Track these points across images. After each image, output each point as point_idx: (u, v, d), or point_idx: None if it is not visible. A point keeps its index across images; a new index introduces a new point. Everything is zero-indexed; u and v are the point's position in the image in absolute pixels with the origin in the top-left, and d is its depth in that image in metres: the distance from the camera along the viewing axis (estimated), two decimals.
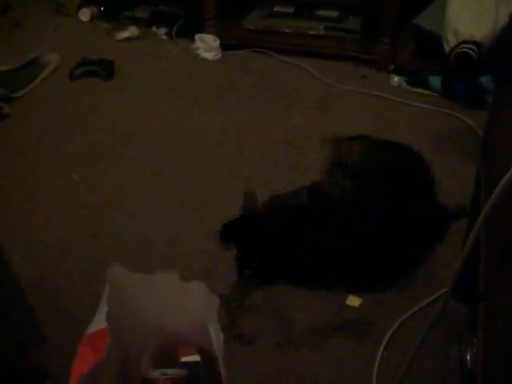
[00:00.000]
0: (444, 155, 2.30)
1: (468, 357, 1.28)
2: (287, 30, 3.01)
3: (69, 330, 1.58)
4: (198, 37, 3.06)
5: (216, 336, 1.02)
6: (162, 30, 3.27)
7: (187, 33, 3.17)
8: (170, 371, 1.03)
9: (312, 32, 2.97)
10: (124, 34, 3.24)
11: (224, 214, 2.02)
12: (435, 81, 2.69)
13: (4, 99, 2.66)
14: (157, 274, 1.05)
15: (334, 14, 2.98)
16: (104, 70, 2.87)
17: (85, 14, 3.47)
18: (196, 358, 1.08)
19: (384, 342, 1.56)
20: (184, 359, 1.08)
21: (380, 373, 1.49)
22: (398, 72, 2.81)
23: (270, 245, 1.67)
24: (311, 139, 2.42)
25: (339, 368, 1.53)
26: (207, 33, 3.07)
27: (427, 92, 2.71)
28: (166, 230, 1.99)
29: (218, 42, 3.04)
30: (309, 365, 1.54)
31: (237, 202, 2.06)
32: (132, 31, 3.25)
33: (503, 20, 2.46)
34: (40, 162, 2.33)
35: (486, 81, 2.54)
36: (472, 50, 2.52)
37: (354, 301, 1.66)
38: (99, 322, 1.10)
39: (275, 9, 3.07)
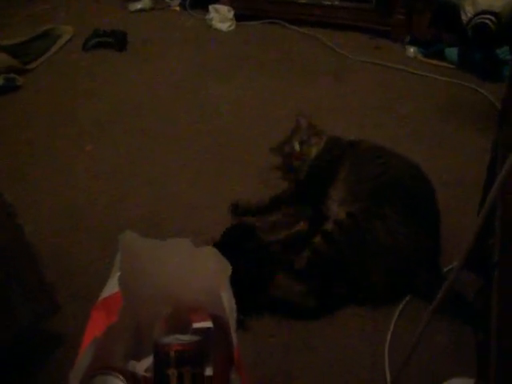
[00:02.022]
0: (460, 127, 2.27)
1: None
2: (302, 1, 2.98)
3: (84, 296, 1.60)
4: (212, 7, 3.03)
5: (228, 302, 1.02)
6: (176, 1, 3.26)
7: (201, 3, 3.15)
8: (183, 337, 1.03)
9: (327, 2, 2.94)
10: (137, 6, 3.23)
11: (238, 183, 2.02)
12: (451, 52, 2.65)
13: (17, 71, 2.66)
14: (169, 240, 1.05)
15: None
16: (117, 41, 2.86)
17: None
18: (208, 323, 1.08)
19: (397, 312, 1.56)
20: (196, 325, 1.08)
21: (392, 344, 1.49)
22: (413, 43, 2.77)
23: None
24: (325, 111, 2.40)
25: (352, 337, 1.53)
26: (221, 3, 3.05)
27: (443, 64, 2.67)
28: (180, 200, 1.99)
29: (232, 13, 3.01)
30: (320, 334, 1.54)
31: (250, 172, 2.06)
32: (145, 2, 3.23)
33: None
34: (53, 132, 2.33)
35: (503, 52, 2.50)
36: (491, 20, 2.48)
37: None
38: (112, 287, 1.10)
39: None
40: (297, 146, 1.90)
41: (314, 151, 1.91)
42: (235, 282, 1.48)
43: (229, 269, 1.02)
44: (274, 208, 1.86)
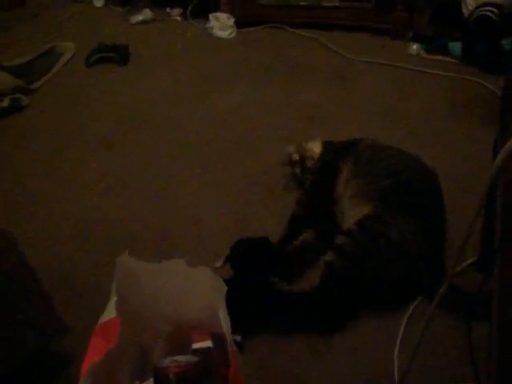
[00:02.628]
0: (466, 122, 2.25)
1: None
2: (302, 3, 2.97)
3: (93, 314, 1.59)
4: (212, 16, 3.03)
5: (225, 322, 1.01)
6: (176, 11, 3.27)
7: (201, 12, 3.16)
8: (182, 358, 1.03)
9: (327, 4, 2.92)
10: (138, 17, 3.24)
11: (241, 193, 2.02)
12: (455, 47, 2.62)
13: (22, 91, 2.68)
14: (164, 262, 1.05)
15: None
16: (119, 55, 2.87)
17: (99, 0, 3.47)
18: (208, 343, 1.07)
19: (406, 317, 1.55)
20: (196, 346, 1.08)
21: (401, 349, 1.47)
22: (416, 40, 2.75)
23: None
24: (328, 114, 2.38)
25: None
26: (221, 11, 3.05)
27: (447, 59, 2.64)
28: (186, 211, 1.99)
29: (232, 20, 3.01)
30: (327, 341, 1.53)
31: (255, 181, 2.06)
32: (146, 14, 3.24)
33: None
34: (58, 150, 2.35)
35: (508, 44, 2.46)
36: (492, 12, 2.44)
37: None
38: (110, 312, 1.10)
39: None
40: (295, 156, 1.93)
41: (315, 147, 1.94)
42: (249, 293, 1.51)
43: (224, 288, 1.02)
44: (296, 231, 1.83)
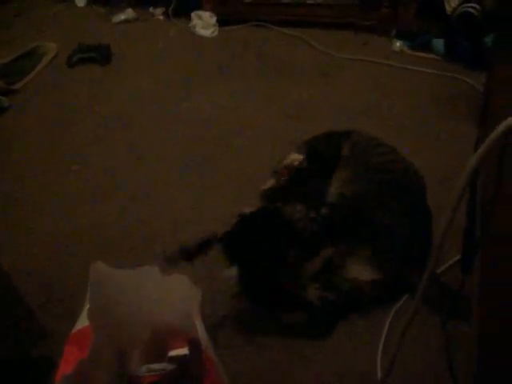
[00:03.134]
0: (450, 119, 2.24)
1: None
2: (285, 1, 2.95)
3: (72, 319, 1.58)
4: (194, 14, 3.01)
5: (201, 328, 1.00)
6: (159, 10, 3.24)
7: (184, 11, 3.13)
8: (158, 366, 1.02)
9: (310, 1, 2.90)
10: (121, 17, 3.21)
11: (223, 196, 2.00)
12: (438, 43, 2.62)
13: (3, 92, 2.64)
14: (138, 269, 1.04)
15: None
16: (101, 55, 2.84)
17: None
18: (184, 351, 1.06)
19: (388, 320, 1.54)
20: (172, 353, 1.06)
21: (385, 351, 1.46)
22: (399, 37, 2.73)
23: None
24: (313, 112, 2.37)
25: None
26: (204, 9, 3.02)
27: (430, 55, 2.64)
28: (167, 215, 1.97)
29: (214, 19, 2.99)
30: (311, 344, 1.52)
31: (236, 183, 2.04)
32: (128, 13, 3.21)
33: None
34: (39, 153, 2.32)
35: (490, 40, 2.45)
36: (474, 8, 2.44)
37: None
38: (84, 320, 1.09)
39: None
40: (281, 165, 1.90)
41: (298, 156, 1.90)
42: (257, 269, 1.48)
43: (199, 295, 1.00)
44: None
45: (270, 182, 1.92)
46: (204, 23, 2.96)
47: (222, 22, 3.00)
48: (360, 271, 1.58)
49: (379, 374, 1.40)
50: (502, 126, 0.64)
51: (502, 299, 0.80)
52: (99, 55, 2.83)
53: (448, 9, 2.51)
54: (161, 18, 3.20)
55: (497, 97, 1.24)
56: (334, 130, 1.95)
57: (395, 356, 1.05)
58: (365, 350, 1.48)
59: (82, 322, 1.10)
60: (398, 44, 2.69)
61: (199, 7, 3.04)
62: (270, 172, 1.94)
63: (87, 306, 1.05)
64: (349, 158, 1.79)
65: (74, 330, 1.11)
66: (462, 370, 1.26)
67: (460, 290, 1.49)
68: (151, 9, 3.25)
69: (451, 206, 0.75)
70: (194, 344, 1.06)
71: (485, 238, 0.90)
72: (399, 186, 1.67)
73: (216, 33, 2.97)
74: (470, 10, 2.42)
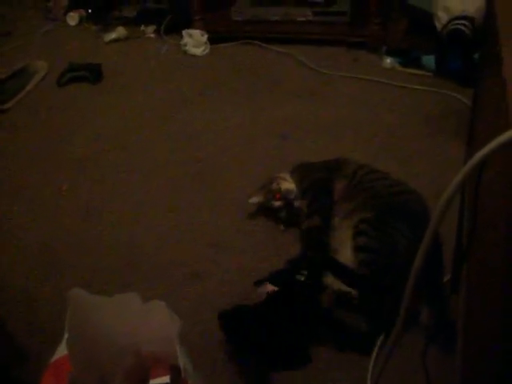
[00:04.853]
0: (440, 136, 2.23)
1: None
2: (275, 18, 2.95)
3: (55, 345, 1.56)
4: (185, 32, 3.01)
5: (181, 356, 0.97)
6: (150, 29, 3.24)
7: (175, 29, 3.13)
8: None
9: (300, 18, 2.91)
10: (112, 36, 3.20)
11: (211, 216, 1.99)
12: (429, 60, 2.62)
13: None
14: (117, 296, 1.01)
15: None
16: (92, 74, 2.83)
17: (73, 18, 3.44)
18: (165, 379, 1.03)
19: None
20: (153, 382, 1.03)
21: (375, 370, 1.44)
22: (390, 53, 2.73)
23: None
24: (301, 130, 2.36)
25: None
26: (195, 28, 3.03)
27: (421, 72, 2.63)
28: (155, 235, 1.95)
29: (205, 37, 2.99)
30: None
31: (225, 201, 2.03)
32: (120, 32, 3.21)
33: None
34: (29, 173, 2.30)
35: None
36: (465, 25, 2.43)
37: None
38: (63, 349, 1.06)
39: None
40: (275, 186, 1.88)
41: (291, 186, 1.89)
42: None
43: (178, 323, 0.98)
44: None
45: (258, 197, 1.91)
46: (195, 41, 2.96)
47: (212, 40, 3.00)
48: None
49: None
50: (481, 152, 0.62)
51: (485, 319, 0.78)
52: (90, 74, 2.82)
53: (438, 26, 2.51)
54: (152, 36, 3.20)
55: (480, 113, 1.23)
56: (323, 161, 1.94)
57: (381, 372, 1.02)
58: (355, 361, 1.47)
59: (61, 350, 1.07)
60: (388, 61, 2.69)
61: (190, 26, 3.03)
62: (259, 187, 1.94)
63: (66, 335, 1.02)
64: (347, 187, 1.78)
65: (52, 359, 1.09)
66: None
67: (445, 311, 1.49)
68: (142, 27, 3.26)
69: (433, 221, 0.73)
70: (175, 371, 1.03)
71: (471, 249, 0.89)
72: (403, 207, 1.66)
73: (207, 51, 2.98)
74: (460, 27, 2.41)
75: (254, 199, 1.92)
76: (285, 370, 1.47)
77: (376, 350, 1.49)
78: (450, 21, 2.47)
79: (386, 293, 1.51)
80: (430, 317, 1.50)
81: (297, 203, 1.86)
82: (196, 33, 2.97)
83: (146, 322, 1.02)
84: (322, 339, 1.52)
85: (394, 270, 1.53)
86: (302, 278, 1.55)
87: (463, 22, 2.44)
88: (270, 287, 1.53)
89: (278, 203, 1.88)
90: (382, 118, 2.37)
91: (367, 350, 1.50)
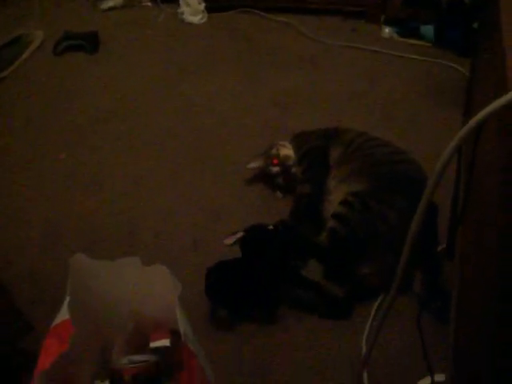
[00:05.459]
0: (439, 106, 2.24)
1: None
2: None
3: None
4: (182, 1, 2.97)
5: (181, 321, 0.99)
6: None
7: None
8: (139, 357, 1.01)
9: None
10: (108, 4, 3.16)
11: (211, 186, 2.00)
12: (428, 30, 2.60)
13: None
14: (119, 261, 1.03)
15: None
16: (89, 42, 2.80)
17: None
18: (166, 342, 1.05)
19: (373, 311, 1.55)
20: (154, 344, 1.05)
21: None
22: (389, 23, 2.71)
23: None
24: (301, 99, 2.36)
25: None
26: None
27: (420, 42, 2.62)
28: (156, 205, 1.96)
29: (203, 5, 2.95)
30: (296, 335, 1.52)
31: (223, 171, 2.04)
32: (116, 0, 3.16)
33: None
34: (27, 142, 2.30)
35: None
36: None
37: None
38: (64, 314, 1.08)
39: None
40: (274, 151, 1.89)
41: (289, 152, 1.90)
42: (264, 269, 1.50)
43: (179, 288, 0.99)
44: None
45: (257, 162, 1.92)
46: (192, 10, 2.93)
47: (210, 9, 2.97)
48: None
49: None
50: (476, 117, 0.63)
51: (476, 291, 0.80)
52: (87, 43, 2.79)
53: None
54: (149, 4, 3.16)
55: (476, 82, 1.23)
56: (322, 129, 1.95)
57: (374, 342, 1.05)
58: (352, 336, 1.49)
59: (63, 315, 1.09)
60: (386, 30, 2.67)
61: None
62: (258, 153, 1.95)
63: (67, 299, 1.03)
64: (344, 154, 1.78)
65: (54, 323, 1.10)
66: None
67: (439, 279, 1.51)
68: None
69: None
70: (175, 335, 1.05)
71: (465, 215, 0.91)
72: (402, 175, 1.66)
73: (204, 19, 2.95)
74: None
75: (253, 164, 1.94)
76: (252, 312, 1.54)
77: (372, 314, 1.52)
78: None
79: (348, 264, 1.57)
80: (423, 284, 1.53)
81: (294, 169, 1.88)
82: (193, 1, 2.93)
83: (146, 286, 1.03)
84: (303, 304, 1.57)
85: (356, 248, 1.56)
86: (271, 227, 1.61)
87: None
88: (239, 234, 1.60)
89: (275, 169, 1.89)
90: (381, 88, 2.37)
91: (346, 315, 1.54)
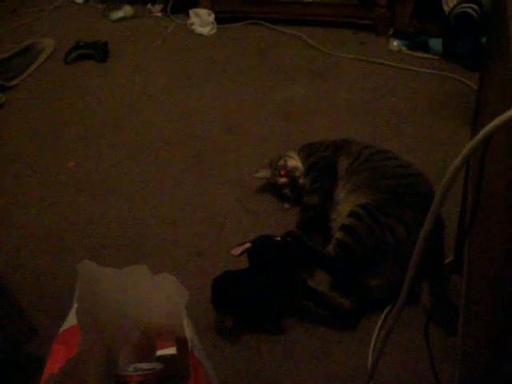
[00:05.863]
0: (447, 120, 2.24)
1: None
2: None
3: (63, 320, 1.58)
4: (192, 12, 3.00)
5: (188, 329, 1.00)
6: (157, 7, 3.22)
7: (182, 8, 3.12)
8: (145, 365, 1.01)
9: (308, 0, 2.89)
10: (119, 14, 3.19)
11: (217, 193, 2.01)
12: (436, 43, 2.61)
13: (0, 88, 2.64)
14: (126, 268, 1.03)
15: None
16: (98, 52, 2.83)
17: None
18: (172, 350, 1.06)
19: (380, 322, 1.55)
20: (160, 352, 1.06)
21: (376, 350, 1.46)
22: (397, 36, 2.72)
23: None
24: (309, 111, 2.37)
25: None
26: (202, 7, 3.01)
27: (428, 55, 2.63)
28: (162, 212, 1.97)
29: (212, 16, 2.98)
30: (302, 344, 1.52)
31: (228, 181, 2.05)
32: (126, 10, 3.20)
33: None
34: (36, 149, 2.32)
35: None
36: (472, 8, 2.43)
37: None
38: (72, 320, 1.08)
39: None
40: (282, 162, 1.90)
41: (297, 163, 1.91)
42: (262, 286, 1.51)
43: (186, 296, 1.00)
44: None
45: (264, 173, 1.94)
46: (202, 21, 2.95)
47: (219, 20, 2.99)
48: None
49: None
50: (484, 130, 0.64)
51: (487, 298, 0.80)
52: (97, 52, 2.82)
53: (446, 9, 2.50)
54: (159, 15, 3.18)
55: (485, 95, 1.24)
56: (330, 140, 1.96)
57: (380, 353, 1.05)
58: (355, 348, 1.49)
59: (70, 321, 1.10)
60: (395, 44, 2.68)
61: (197, 5, 3.02)
62: (265, 163, 1.96)
63: (75, 306, 1.04)
64: (352, 165, 1.79)
65: (61, 329, 1.11)
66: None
67: (445, 291, 1.50)
68: (149, 6, 3.24)
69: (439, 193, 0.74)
70: (181, 344, 1.06)
71: (472, 228, 0.90)
72: (410, 189, 1.66)
73: (214, 31, 2.97)
74: (468, 10, 2.41)
75: (260, 174, 1.96)
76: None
77: (379, 326, 1.52)
78: (457, 4, 2.46)
79: (355, 276, 1.57)
80: (430, 296, 1.53)
81: (301, 181, 1.89)
82: (203, 12, 2.96)
83: (154, 294, 1.04)
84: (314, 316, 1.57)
85: (363, 260, 1.56)
86: (279, 238, 1.60)
87: (471, 5, 2.43)
88: (247, 245, 1.59)
89: (283, 180, 1.90)
90: (389, 101, 2.38)
91: (352, 326, 1.54)
